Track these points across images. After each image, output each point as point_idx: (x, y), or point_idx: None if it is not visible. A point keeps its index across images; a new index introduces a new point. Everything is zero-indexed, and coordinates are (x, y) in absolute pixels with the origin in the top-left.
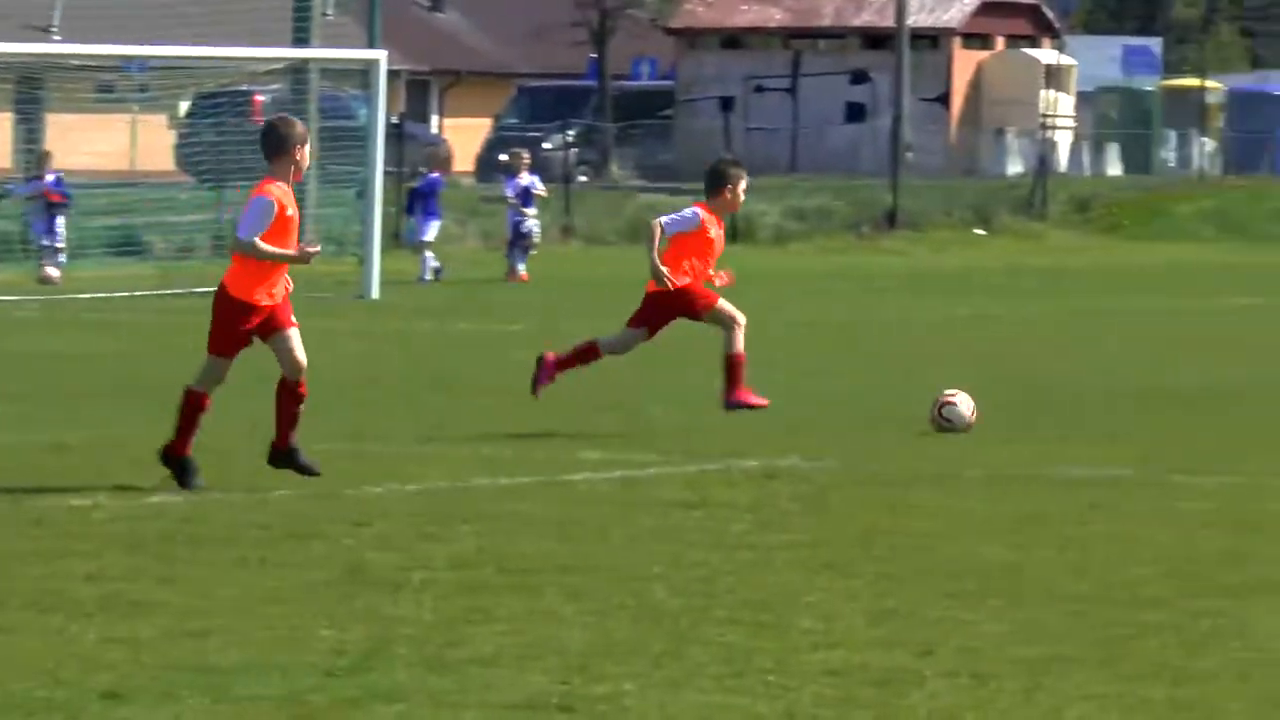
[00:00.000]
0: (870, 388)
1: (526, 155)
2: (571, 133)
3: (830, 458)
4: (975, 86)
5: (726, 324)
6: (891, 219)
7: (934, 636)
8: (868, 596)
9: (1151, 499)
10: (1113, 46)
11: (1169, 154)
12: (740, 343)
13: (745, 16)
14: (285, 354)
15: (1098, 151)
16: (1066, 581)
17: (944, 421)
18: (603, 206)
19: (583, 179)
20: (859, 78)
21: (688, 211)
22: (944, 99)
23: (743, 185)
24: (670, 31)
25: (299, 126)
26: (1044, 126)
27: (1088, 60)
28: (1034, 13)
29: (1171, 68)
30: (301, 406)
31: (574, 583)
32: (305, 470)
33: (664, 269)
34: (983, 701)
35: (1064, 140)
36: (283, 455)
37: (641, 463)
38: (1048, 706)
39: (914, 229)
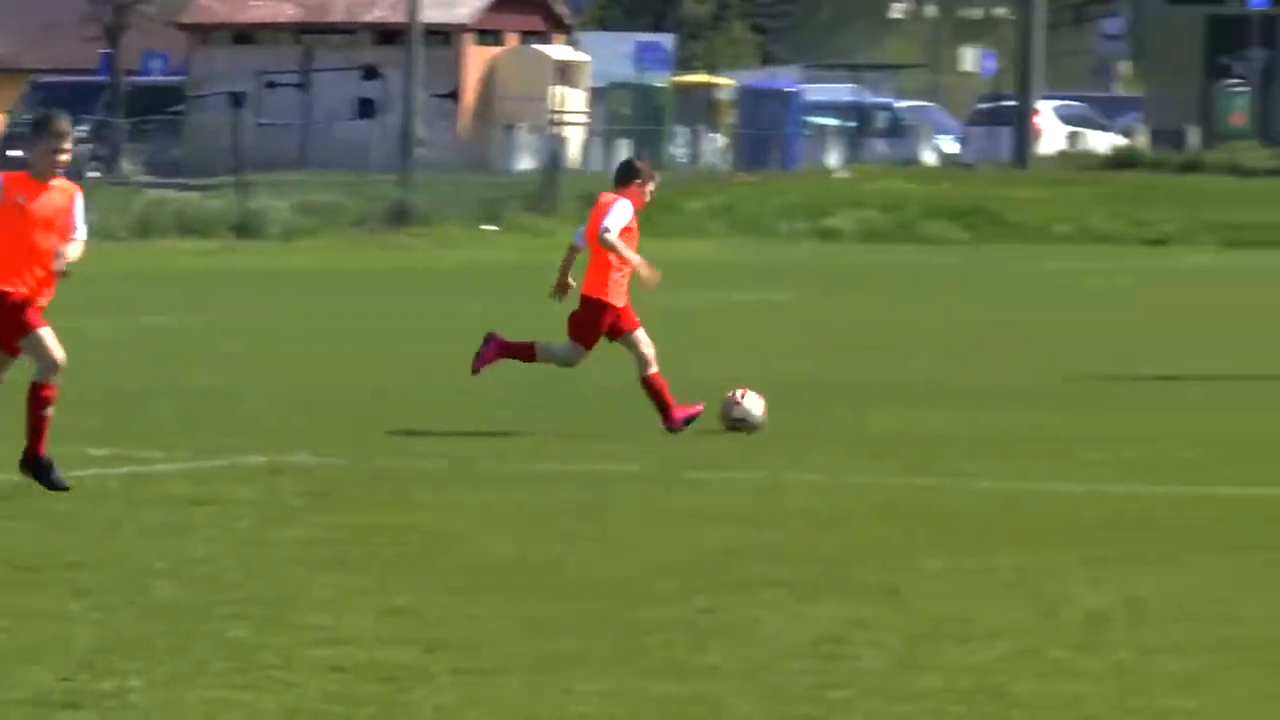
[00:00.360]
0: (376, 385)
1: None
2: (84, 129)
3: (337, 454)
4: (487, 82)
5: (640, 352)
6: (401, 215)
7: (441, 632)
8: (375, 593)
9: (659, 495)
10: (625, 43)
11: (680, 150)
12: (656, 364)
13: (257, 12)
14: (38, 353)
15: (609, 148)
16: (573, 577)
17: (737, 421)
18: (112, 203)
19: (94, 175)
20: (370, 74)
21: (618, 205)
22: (455, 95)
23: (652, 185)
24: (182, 27)
25: (63, 123)
26: (554, 123)
27: (601, 56)
28: (546, 9)
29: (683, 64)
30: (48, 410)
31: (80, 579)
32: (55, 486)
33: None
34: (488, 697)
35: (575, 136)
36: (33, 464)
37: (148, 459)
38: (553, 703)
39: (424, 225)
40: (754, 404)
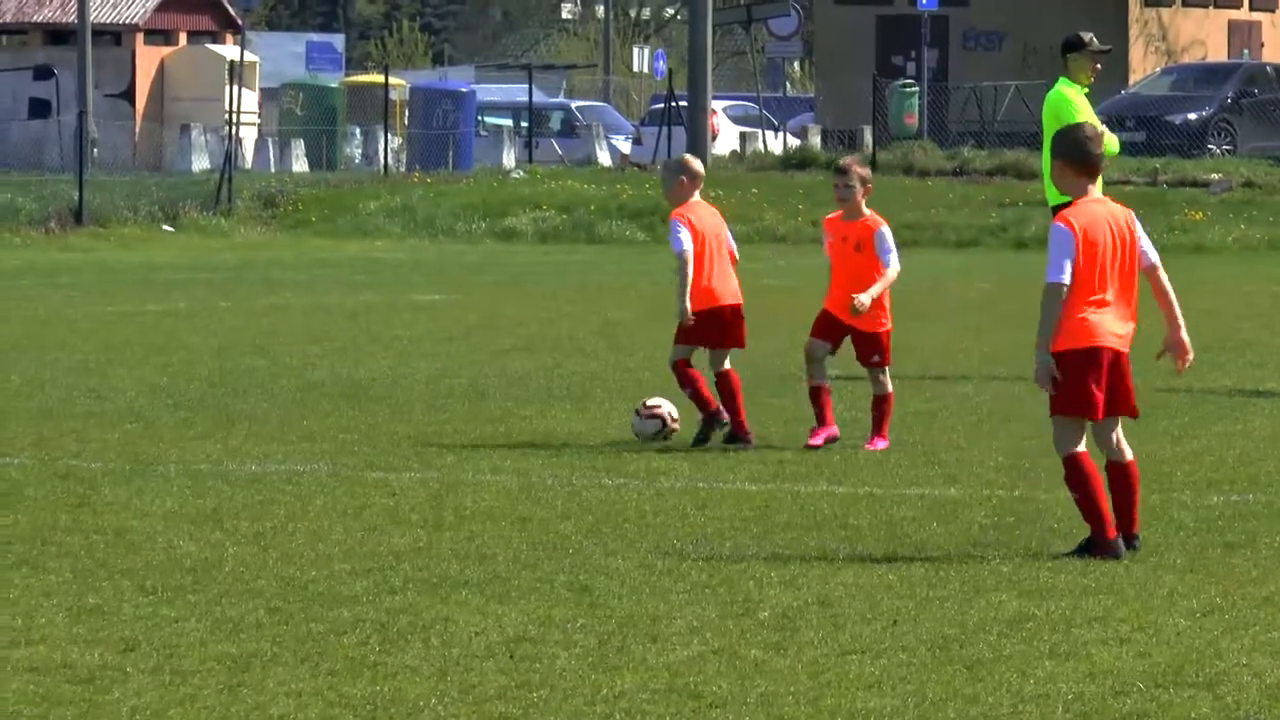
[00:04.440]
0: (65, 384)
1: None
2: None
3: (25, 454)
4: (159, 82)
5: None
6: (78, 215)
7: (135, 633)
8: (66, 593)
9: (345, 495)
10: (296, 43)
11: (354, 150)
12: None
13: None
14: None
15: (283, 148)
16: (263, 578)
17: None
18: None
19: None
20: (42, 73)
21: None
22: (129, 94)
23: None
24: None
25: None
26: (229, 123)
27: (271, 56)
28: (216, 9)
29: (355, 64)
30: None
31: None
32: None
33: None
34: (185, 698)
35: (249, 136)
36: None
37: None
38: (251, 703)
39: (101, 225)
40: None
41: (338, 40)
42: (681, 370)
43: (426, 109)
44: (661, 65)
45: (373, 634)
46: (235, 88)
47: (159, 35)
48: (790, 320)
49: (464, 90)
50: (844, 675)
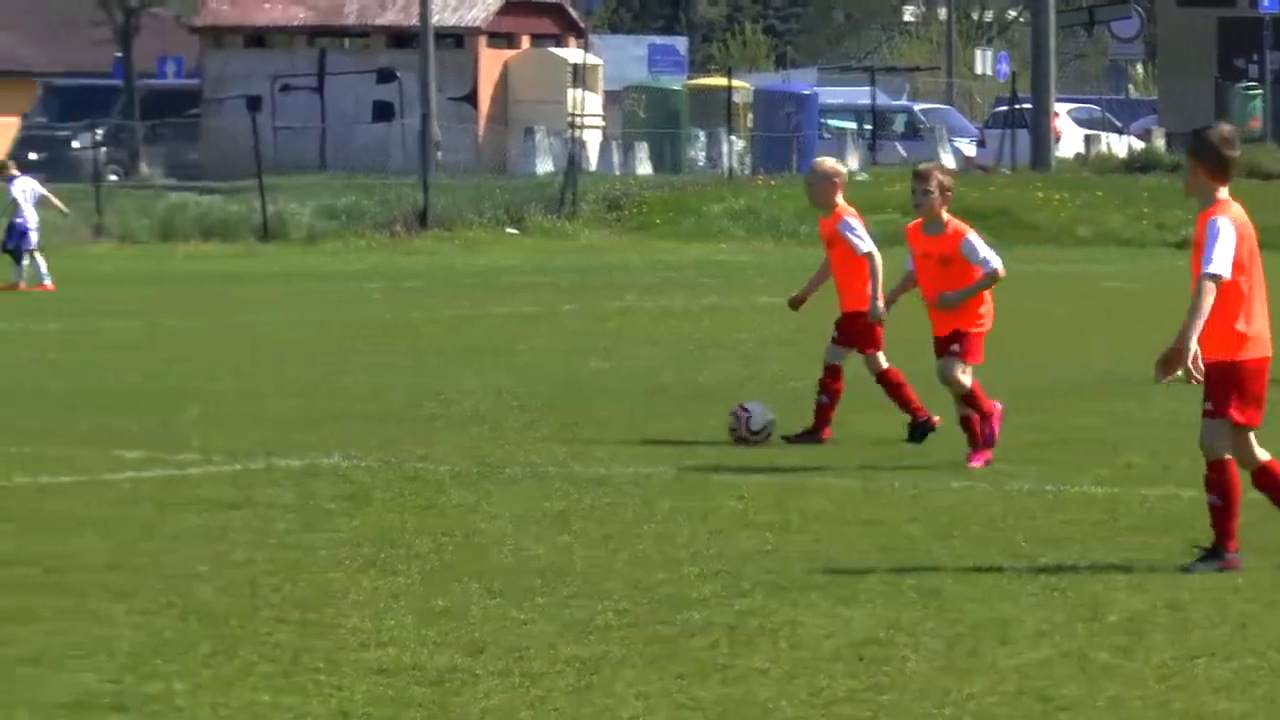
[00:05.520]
0: (411, 386)
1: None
2: (100, 131)
3: (372, 456)
4: (502, 85)
5: None
6: (423, 218)
7: (484, 635)
8: (415, 595)
9: (692, 498)
10: (639, 46)
11: (698, 153)
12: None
13: (269, 15)
14: None
15: (627, 150)
16: (612, 580)
17: (756, 433)
18: (133, 205)
19: (113, 178)
20: (386, 76)
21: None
22: (472, 98)
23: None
24: (194, 30)
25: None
26: (572, 125)
27: (614, 59)
28: (558, 12)
29: (696, 66)
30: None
31: (119, 582)
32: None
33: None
34: (536, 700)
35: (593, 139)
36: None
37: (182, 462)
38: (601, 705)
39: (445, 228)
40: (760, 412)
41: (680, 43)
42: (891, 376)
43: (769, 111)
44: (1004, 67)
45: (721, 637)
46: (578, 90)
47: (501, 39)
48: (1133, 324)
49: (806, 93)
50: (1193, 679)
